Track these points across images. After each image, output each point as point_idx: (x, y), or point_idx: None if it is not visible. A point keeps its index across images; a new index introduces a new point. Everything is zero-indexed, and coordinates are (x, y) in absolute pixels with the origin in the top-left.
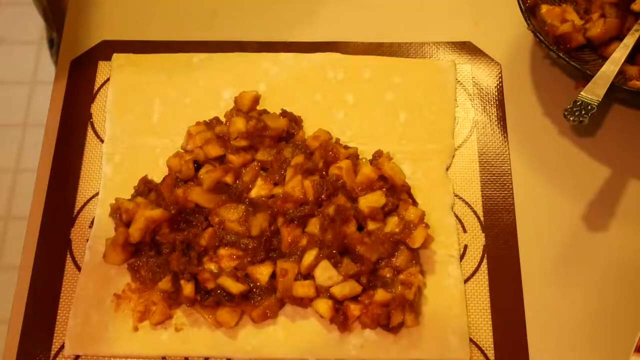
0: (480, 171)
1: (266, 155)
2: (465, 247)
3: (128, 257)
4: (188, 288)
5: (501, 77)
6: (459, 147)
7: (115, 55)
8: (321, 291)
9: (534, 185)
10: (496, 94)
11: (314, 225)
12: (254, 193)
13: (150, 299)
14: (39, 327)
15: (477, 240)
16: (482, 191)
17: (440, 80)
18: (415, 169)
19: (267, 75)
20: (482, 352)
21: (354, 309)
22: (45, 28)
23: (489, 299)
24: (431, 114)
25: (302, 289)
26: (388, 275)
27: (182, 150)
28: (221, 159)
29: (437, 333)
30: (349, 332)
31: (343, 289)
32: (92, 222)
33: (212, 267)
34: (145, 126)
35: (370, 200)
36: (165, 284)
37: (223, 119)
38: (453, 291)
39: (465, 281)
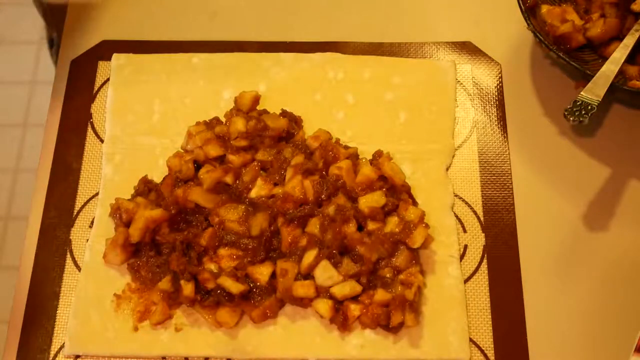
0: (480, 171)
1: (266, 155)
2: (465, 247)
3: (128, 257)
4: (188, 288)
5: (501, 77)
6: (459, 147)
7: (115, 55)
8: (321, 291)
9: (534, 185)
10: (496, 94)
11: (314, 225)
12: (254, 193)
13: (150, 299)
14: (39, 327)
15: (477, 240)
16: (482, 191)
17: (440, 80)
18: (415, 169)
19: (267, 75)
20: (482, 352)
21: (354, 309)
22: (45, 28)
23: (489, 299)
24: (431, 114)
25: (302, 289)
26: (388, 275)
27: (182, 150)
28: (221, 159)
29: (437, 333)
30: (349, 332)
31: (343, 289)
32: (92, 222)
33: (212, 267)
34: (145, 126)
35: (370, 200)
36: (165, 284)
37: (223, 119)
38: (453, 291)
39: (465, 281)
